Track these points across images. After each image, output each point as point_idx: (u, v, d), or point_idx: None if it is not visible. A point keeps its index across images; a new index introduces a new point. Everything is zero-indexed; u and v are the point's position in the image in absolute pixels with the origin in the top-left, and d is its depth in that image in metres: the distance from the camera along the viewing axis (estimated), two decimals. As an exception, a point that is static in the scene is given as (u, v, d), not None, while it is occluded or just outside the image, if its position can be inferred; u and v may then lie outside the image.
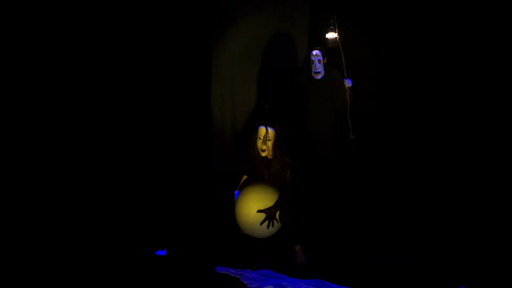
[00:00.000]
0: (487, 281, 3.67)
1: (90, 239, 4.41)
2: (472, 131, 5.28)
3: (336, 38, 5.33)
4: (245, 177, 4.54)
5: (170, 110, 5.74)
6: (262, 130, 4.28)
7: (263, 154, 4.31)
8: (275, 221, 4.12)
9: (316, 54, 5.23)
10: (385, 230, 4.62)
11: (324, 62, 5.27)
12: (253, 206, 4.12)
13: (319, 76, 5.31)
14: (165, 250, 4.23)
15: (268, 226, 4.10)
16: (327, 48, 5.37)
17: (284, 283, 3.67)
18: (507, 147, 5.10)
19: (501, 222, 4.65)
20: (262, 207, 4.10)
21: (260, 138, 4.29)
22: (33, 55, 5.13)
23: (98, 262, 3.98)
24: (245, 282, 3.71)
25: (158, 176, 5.50)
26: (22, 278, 3.73)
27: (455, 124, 5.35)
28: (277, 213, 4.11)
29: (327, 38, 5.41)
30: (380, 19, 5.56)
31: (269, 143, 4.27)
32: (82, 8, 5.31)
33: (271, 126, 4.27)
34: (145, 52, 5.61)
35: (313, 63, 5.27)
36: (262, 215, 4.10)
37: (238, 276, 3.79)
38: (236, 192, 4.38)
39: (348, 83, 5.28)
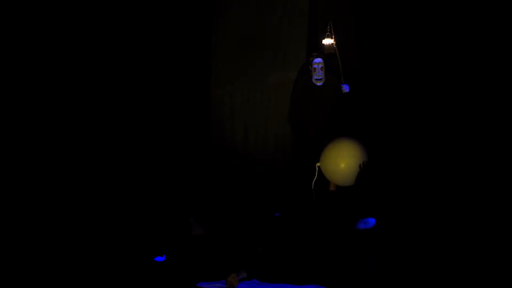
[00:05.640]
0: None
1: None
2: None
3: (332, 44, 5.36)
4: None
5: (168, 107, 5.77)
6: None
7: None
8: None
9: (319, 62, 5.30)
10: (385, 231, 4.61)
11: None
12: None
13: (321, 83, 5.37)
14: (164, 256, 4.24)
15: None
16: (324, 54, 5.41)
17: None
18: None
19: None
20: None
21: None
22: (33, 55, 5.13)
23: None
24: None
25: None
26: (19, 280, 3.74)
27: (455, 124, 5.36)
28: None
29: (323, 44, 5.44)
30: (378, 24, 5.58)
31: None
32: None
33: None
34: (144, 39, 5.64)
35: (315, 71, 5.33)
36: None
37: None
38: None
39: (345, 88, 5.32)
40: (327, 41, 5.40)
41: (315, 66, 5.32)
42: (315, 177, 4.94)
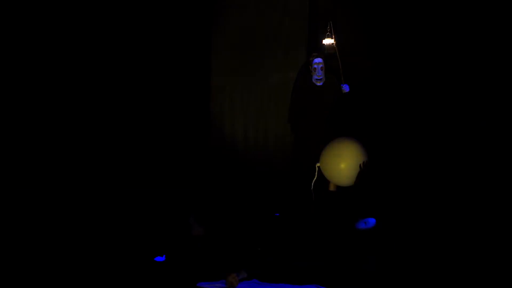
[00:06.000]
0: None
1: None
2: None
3: (332, 44, 5.37)
4: None
5: (168, 109, 5.78)
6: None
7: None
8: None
9: (319, 62, 5.31)
10: (385, 231, 4.61)
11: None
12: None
13: (321, 83, 5.37)
14: (164, 256, 4.24)
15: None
16: (324, 54, 5.41)
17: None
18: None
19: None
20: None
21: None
22: (33, 55, 5.13)
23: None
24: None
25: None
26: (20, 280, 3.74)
27: (455, 124, 5.36)
28: None
29: (323, 44, 5.45)
30: (379, 24, 5.59)
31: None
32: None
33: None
34: (144, 40, 5.65)
35: (315, 71, 5.33)
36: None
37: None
38: None
39: (345, 88, 5.33)
40: (327, 41, 5.40)
41: (315, 66, 5.33)
42: (315, 177, 4.94)
